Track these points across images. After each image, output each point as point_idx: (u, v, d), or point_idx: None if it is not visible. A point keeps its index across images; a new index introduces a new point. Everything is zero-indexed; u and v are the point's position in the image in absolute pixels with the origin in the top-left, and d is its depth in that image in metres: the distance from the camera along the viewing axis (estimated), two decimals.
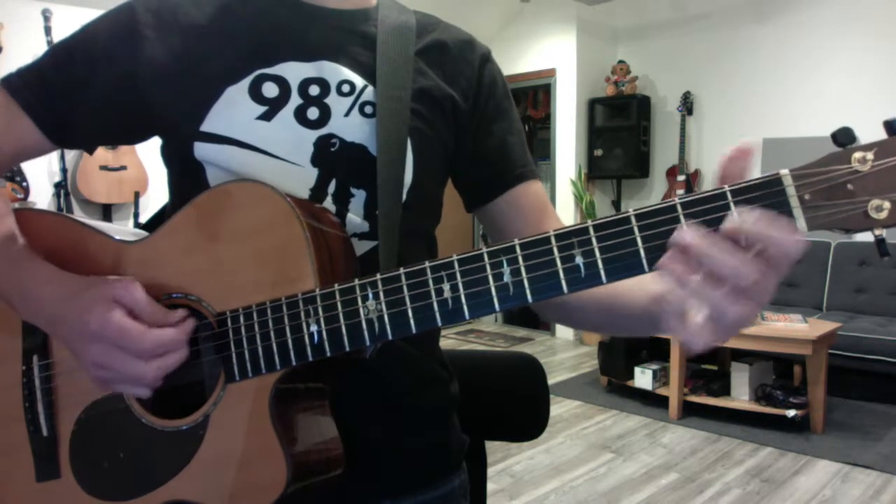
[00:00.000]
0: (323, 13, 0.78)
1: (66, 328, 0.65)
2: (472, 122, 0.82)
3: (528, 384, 1.01)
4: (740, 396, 3.63)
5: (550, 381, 4.21)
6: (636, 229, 0.50)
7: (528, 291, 0.53)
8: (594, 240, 0.51)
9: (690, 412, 3.72)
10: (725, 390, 3.70)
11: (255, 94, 0.73)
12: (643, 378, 3.92)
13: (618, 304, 0.69)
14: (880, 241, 0.47)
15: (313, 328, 0.60)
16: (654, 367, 3.91)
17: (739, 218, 0.46)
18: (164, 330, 0.63)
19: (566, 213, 5.68)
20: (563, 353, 5.29)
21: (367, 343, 0.59)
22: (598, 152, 5.63)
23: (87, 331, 0.63)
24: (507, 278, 0.54)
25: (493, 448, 3.19)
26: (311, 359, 0.61)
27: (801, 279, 4.50)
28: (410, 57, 0.79)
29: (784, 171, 0.47)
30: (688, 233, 0.47)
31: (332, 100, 0.75)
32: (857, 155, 0.46)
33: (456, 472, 0.85)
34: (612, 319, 0.73)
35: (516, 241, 0.54)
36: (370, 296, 0.59)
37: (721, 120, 5.26)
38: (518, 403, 1.02)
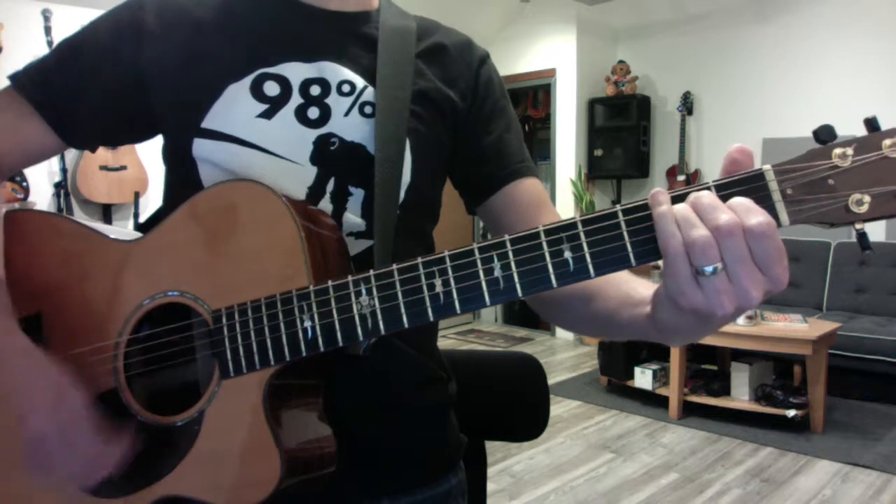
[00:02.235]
0: (324, 15, 0.79)
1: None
2: (469, 122, 0.83)
3: (528, 384, 1.02)
4: (740, 396, 3.63)
5: (550, 381, 4.22)
6: (623, 224, 0.51)
7: (517, 286, 0.54)
8: (582, 234, 0.53)
9: (690, 412, 3.72)
10: (725, 390, 3.70)
11: (257, 92, 0.74)
12: (643, 378, 3.92)
13: (611, 290, 0.69)
14: (861, 236, 0.48)
15: (307, 323, 0.61)
16: (654, 367, 3.91)
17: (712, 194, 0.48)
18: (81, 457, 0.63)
19: (566, 213, 5.63)
20: (563, 353, 5.29)
21: (361, 338, 0.60)
22: (598, 152, 5.63)
23: (24, 403, 0.62)
24: (497, 273, 0.55)
25: (493, 448, 3.19)
26: (304, 354, 0.61)
27: (801, 279, 4.50)
28: (411, 59, 0.80)
29: (766, 167, 0.49)
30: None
31: (333, 100, 0.75)
32: (838, 151, 0.47)
33: (453, 471, 0.85)
34: (602, 310, 0.71)
35: (506, 237, 0.55)
36: (363, 291, 0.59)
37: (721, 120, 5.26)
38: (518, 403, 1.03)
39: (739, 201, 0.48)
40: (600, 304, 0.70)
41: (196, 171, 0.74)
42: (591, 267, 0.52)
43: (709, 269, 0.48)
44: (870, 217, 0.46)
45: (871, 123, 0.46)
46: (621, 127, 5.53)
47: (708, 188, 0.50)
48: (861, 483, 2.89)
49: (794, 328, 3.39)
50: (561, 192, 5.74)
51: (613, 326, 0.69)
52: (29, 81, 0.76)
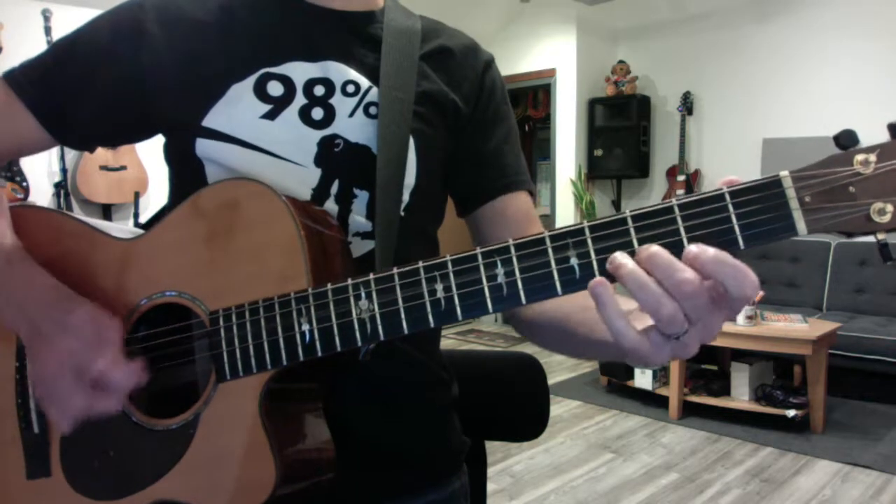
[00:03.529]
0: (328, 14, 0.78)
1: (44, 324, 0.64)
2: (470, 127, 0.82)
3: (528, 384, 1.01)
4: (740, 396, 3.63)
5: (550, 381, 4.21)
6: (632, 231, 0.49)
7: (521, 292, 0.52)
8: (590, 241, 0.51)
9: (690, 412, 3.71)
10: (725, 390, 3.70)
11: (260, 92, 0.73)
12: (643, 378, 3.92)
13: (576, 321, 0.67)
14: (883, 246, 0.46)
15: (305, 327, 0.60)
16: (654, 367, 3.91)
17: (698, 249, 0.46)
18: (115, 369, 0.62)
19: (566, 212, 5.67)
20: None
21: (359, 343, 0.58)
22: (598, 152, 5.62)
23: (63, 322, 0.63)
24: (500, 279, 0.53)
25: (493, 448, 3.18)
26: (301, 359, 0.60)
27: (801, 279, 4.49)
28: (415, 60, 0.79)
29: (784, 173, 0.46)
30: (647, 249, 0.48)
31: (337, 100, 0.75)
32: (860, 157, 0.45)
33: (456, 473, 0.85)
34: (571, 339, 0.68)
35: (511, 242, 0.53)
36: (363, 295, 0.58)
37: (721, 120, 5.25)
38: (518, 403, 1.02)
39: (695, 254, 0.46)
40: (576, 319, 0.67)
41: (203, 171, 0.73)
42: (597, 275, 0.50)
43: (678, 333, 0.47)
44: (893, 227, 0.44)
45: (895, 129, 0.44)
46: (621, 127, 5.52)
47: (722, 195, 0.47)
48: (861, 483, 2.89)
49: (794, 328, 3.39)
50: (561, 192, 5.73)
51: (591, 347, 0.66)
52: (25, 79, 0.75)
